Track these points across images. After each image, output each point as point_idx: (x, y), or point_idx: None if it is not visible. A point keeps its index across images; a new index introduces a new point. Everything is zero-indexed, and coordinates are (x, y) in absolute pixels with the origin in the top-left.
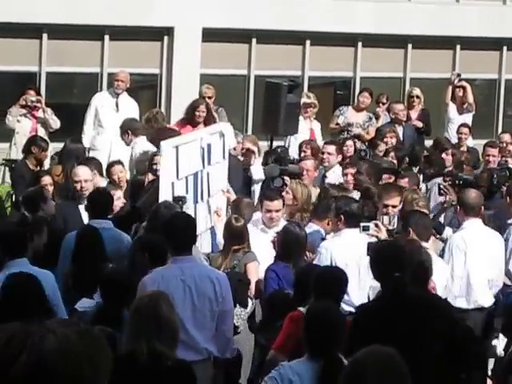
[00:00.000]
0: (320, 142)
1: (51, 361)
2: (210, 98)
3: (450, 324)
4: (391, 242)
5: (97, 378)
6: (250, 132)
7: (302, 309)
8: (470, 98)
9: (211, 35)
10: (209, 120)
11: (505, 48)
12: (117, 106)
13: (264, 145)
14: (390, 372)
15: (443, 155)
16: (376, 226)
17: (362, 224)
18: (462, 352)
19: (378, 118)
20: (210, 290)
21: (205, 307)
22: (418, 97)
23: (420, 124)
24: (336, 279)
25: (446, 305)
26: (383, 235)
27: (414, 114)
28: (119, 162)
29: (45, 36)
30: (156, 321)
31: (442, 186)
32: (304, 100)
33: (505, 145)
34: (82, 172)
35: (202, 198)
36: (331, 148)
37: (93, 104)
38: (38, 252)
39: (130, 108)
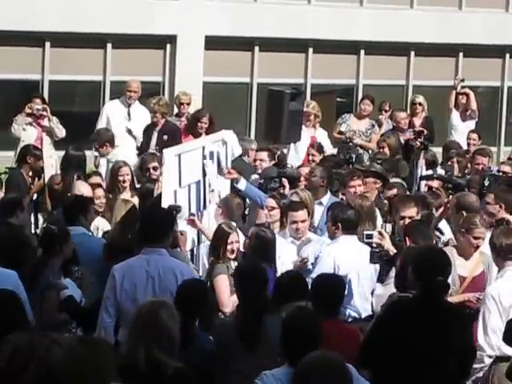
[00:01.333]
0: (329, 150)
1: (59, 372)
2: (188, 104)
3: (469, 341)
4: (431, 246)
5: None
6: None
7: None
8: (474, 104)
9: (214, 43)
10: (212, 131)
11: (507, 55)
12: (129, 115)
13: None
14: (332, 373)
15: (449, 163)
16: (379, 233)
17: (365, 232)
18: (464, 370)
19: (380, 125)
20: (172, 283)
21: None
22: (420, 104)
23: (424, 131)
24: (336, 286)
25: (471, 320)
26: (387, 243)
27: (417, 122)
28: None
29: (47, 44)
30: (156, 328)
31: (434, 189)
32: (304, 108)
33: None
34: (86, 190)
35: (204, 207)
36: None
37: (104, 113)
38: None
39: (142, 116)
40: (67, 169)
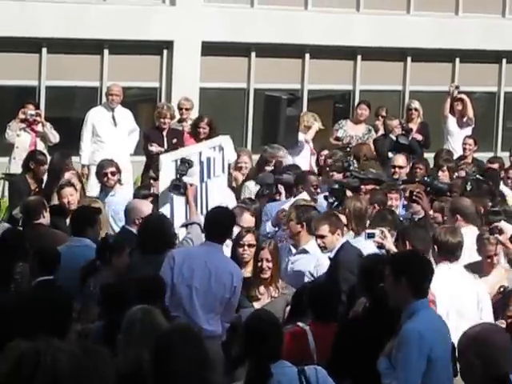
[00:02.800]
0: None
1: (65, 380)
2: (187, 109)
3: None
4: (375, 255)
5: None
6: (249, 145)
7: (301, 324)
8: (470, 111)
9: (211, 49)
10: (212, 135)
11: (504, 61)
12: (114, 119)
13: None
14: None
15: (439, 173)
16: (382, 233)
17: (367, 231)
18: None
19: (377, 130)
20: (228, 280)
21: (219, 293)
22: (416, 109)
23: (420, 137)
24: (332, 294)
25: None
26: (388, 243)
27: (413, 127)
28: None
29: (44, 50)
30: (153, 332)
31: (415, 193)
32: (317, 125)
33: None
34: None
35: (201, 212)
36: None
37: (89, 120)
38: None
39: (126, 120)
40: (52, 176)
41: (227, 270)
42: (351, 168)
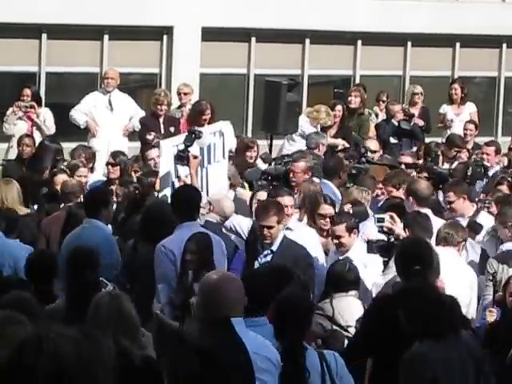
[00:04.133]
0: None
1: (70, 366)
2: (186, 94)
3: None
4: (416, 238)
5: (108, 376)
6: (249, 131)
7: None
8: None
9: (211, 34)
10: (214, 120)
11: (504, 45)
12: (110, 104)
13: (264, 143)
14: None
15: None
16: (391, 217)
17: (376, 216)
18: None
19: (377, 115)
20: (219, 253)
21: (221, 264)
22: (422, 94)
23: (421, 122)
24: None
25: (459, 306)
26: (398, 228)
27: (415, 112)
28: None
29: (44, 36)
30: (120, 317)
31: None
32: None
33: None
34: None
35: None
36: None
37: (85, 103)
38: None
39: (124, 104)
40: (43, 160)
41: (218, 244)
42: (366, 154)
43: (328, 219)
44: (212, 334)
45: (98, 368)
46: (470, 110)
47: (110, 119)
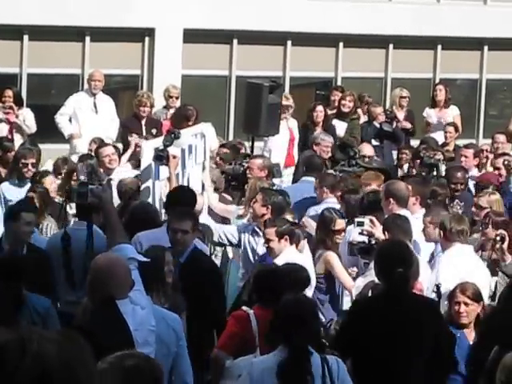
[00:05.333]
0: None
1: (54, 368)
2: (177, 98)
3: (439, 328)
4: (396, 240)
5: (90, 378)
6: (231, 133)
7: (245, 308)
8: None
9: (192, 36)
10: (198, 120)
11: (486, 48)
12: (95, 106)
13: (246, 145)
14: None
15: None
16: (371, 221)
17: (356, 219)
18: (446, 357)
19: (358, 117)
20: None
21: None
22: (408, 98)
23: (409, 125)
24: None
25: (439, 309)
26: (378, 232)
27: (400, 115)
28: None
29: (25, 37)
30: None
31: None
32: (283, 102)
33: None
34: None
35: None
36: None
37: (69, 105)
38: None
39: (107, 107)
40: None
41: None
42: (357, 156)
43: (343, 233)
44: (95, 314)
45: (81, 370)
46: (453, 113)
47: (94, 121)
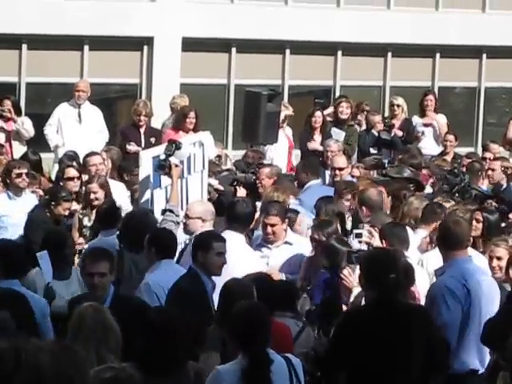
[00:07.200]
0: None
1: (48, 378)
2: (186, 107)
3: (430, 334)
4: (384, 249)
5: None
6: (230, 141)
7: None
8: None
9: (191, 45)
10: (198, 126)
11: (484, 56)
12: (79, 116)
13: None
14: None
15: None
16: (369, 232)
17: (355, 231)
18: (438, 363)
19: (360, 125)
20: None
21: None
22: (399, 106)
23: (400, 133)
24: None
25: (429, 315)
26: (376, 241)
27: (396, 124)
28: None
29: (24, 46)
30: (104, 330)
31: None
32: (286, 112)
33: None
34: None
35: (181, 208)
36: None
37: (55, 116)
38: None
39: (93, 118)
40: None
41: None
42: (386, 166)
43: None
44: None
45: (76, 380)
46: (441, 121)
47: (77, 131)
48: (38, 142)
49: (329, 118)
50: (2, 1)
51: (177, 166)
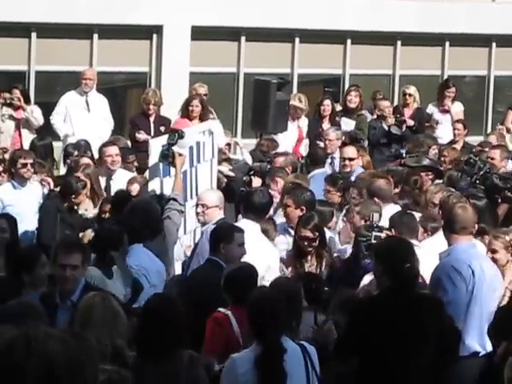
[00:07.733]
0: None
1: (59, 366)
2: (205, 95)
3: (442, 322)
4: (399, 238)
5: (96, 376)
6: (239, 130)
7: (222, 310)
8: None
9: (200, 33)
10: (205, 115)
11: (494, 44)
12: (87, 105)
13: (253, 142)
14: None
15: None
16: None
17: (374, 233)
18: (448, 350)
19: (372, 114)
20: None
21: None
22: (411, 95)
23: (411, 122)
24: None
25: (442, 304)
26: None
27: (407, 113)
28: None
29: (34, 35)
30: (113, 317)
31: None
32: (296, 104)
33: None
34: None
35: (191, 197)
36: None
37: (62, 104)
38: None
39: (100, 106)
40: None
41: None
42: (405, 156)
43: None
44: None
45: (87, 368)
46: (456, 109)
47: (86, 120)
48: (48, 131)
49: (339, 107)
50: None
51: (180, 155)
